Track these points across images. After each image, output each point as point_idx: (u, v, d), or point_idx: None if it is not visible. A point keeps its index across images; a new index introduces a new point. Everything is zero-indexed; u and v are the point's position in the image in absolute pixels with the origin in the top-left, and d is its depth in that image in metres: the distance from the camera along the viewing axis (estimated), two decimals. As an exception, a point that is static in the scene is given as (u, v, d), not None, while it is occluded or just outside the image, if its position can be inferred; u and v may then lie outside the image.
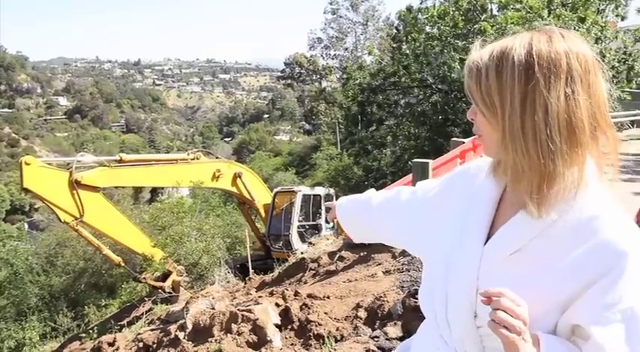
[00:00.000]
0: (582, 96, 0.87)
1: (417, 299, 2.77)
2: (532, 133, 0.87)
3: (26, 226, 43.24)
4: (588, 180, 0.91)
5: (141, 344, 4.89)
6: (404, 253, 5.28)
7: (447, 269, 1.02)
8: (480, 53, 0.93)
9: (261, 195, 12.56)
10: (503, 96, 0.89)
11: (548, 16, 12.93)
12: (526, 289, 0.88)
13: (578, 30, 12.50)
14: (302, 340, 3.94)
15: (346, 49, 40.92)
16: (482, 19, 14.40)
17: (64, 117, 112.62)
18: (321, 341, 3.79)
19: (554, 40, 0.89)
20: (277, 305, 4.38)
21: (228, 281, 9.35)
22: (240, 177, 11.83)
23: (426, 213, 1.18)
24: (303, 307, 4.23)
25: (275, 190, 13.22)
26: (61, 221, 8.86)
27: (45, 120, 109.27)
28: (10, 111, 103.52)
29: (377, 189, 1.49)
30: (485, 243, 0.99)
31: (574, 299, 0.89)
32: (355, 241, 1.54)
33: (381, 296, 4.00)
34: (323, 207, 11.96)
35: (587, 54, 0.89)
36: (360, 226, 1.45)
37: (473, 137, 7.52)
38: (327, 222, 12.22)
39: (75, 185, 8.63)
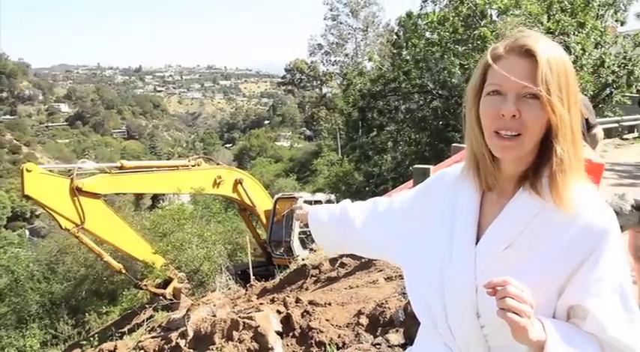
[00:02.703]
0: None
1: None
2: (577, 128, 0.95)
3: (27, 233, 43.42)
4: None
5: (142, 352, 4.87)
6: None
7: (441, 275, 1.02)
8: (549, 47, 0.96)
9: (262, 202, 12.56)
10: (571, 92, 0.95)
11: (547, 22, 12.97)
12: (523, 281, 0.90)
13: (577, 35, 12.54)
14: (303, 347, 3.92)
15: (346, 55, 41.07)
16: (481, 24, 14.43)
17: (65, 123, 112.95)
18: (323, 348, 3.78)
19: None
20: (278, 312, 4.36)
21: (229, 288, 9.32)
22: (241, 183, 11.84)
23: (406, 223, 1.19)
24: (305, 314, 4.22)
25: (276, 196, 13.23)
26: (62, 228, 8.85)
27: (46, 126, 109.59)
28: (12, 117, 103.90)
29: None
30: (476, 244, 1.01)
31: (568, 281, 0.94)
32: (326, 250, 1.57)
33: (382, 303, 3.98)
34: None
35: None
36: (333, 237, 1.46)
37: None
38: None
39: (76, 192, 8.63)
